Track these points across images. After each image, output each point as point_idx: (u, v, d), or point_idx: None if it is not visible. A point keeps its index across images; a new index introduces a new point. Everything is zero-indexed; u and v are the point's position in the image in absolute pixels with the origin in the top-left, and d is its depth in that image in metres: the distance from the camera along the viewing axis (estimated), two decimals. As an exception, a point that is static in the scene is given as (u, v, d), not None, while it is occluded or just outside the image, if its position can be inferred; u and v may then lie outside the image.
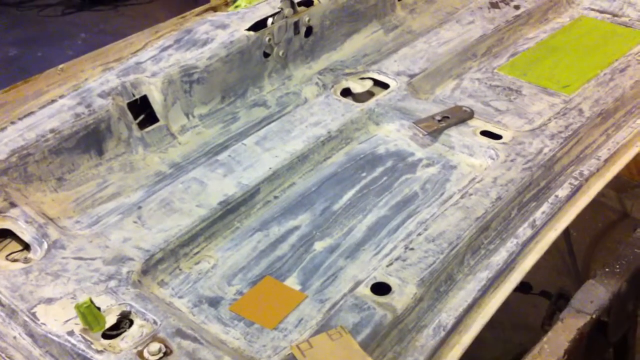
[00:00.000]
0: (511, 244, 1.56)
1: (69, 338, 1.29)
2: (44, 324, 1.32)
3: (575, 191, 1.70)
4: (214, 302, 1.45)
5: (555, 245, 1.59)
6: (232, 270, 1.53)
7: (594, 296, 1.44)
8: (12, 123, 1.72)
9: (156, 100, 1.88)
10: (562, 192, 1.70)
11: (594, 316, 1.40)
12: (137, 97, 1.86)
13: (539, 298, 1.89)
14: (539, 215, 1.63)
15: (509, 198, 1.65)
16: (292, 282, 1.50)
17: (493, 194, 1.66)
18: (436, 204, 1.69)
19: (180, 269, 1.53)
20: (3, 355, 1.30)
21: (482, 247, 1.56)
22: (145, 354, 1.25)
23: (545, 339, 1.36)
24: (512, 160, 1.77)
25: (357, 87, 2.10)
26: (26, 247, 1.54)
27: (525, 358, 1.32)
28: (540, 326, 1.65)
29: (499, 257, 1.53)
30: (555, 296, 1.63)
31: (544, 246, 1.57)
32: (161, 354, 1.25)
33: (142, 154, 1.84)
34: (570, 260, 2.35)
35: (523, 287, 1.91)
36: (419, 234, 1.56)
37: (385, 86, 2.12)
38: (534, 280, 1.81)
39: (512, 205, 1.65)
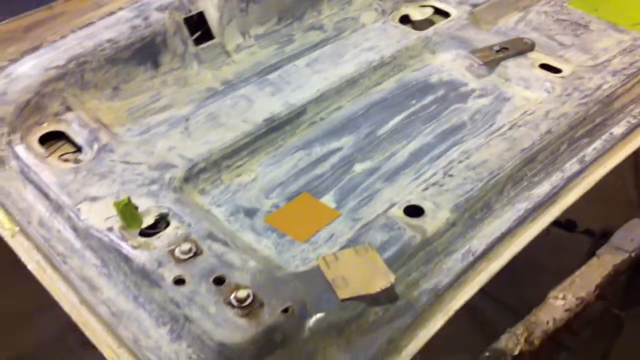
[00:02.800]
0: (556, 178, 1.52)
1: (108, 233, 1.36)
2: (87, 220, 1.39)
3: (632, 129, 1.63)
4: (250, 213, 1.48)
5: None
6: (271, 184, 1.55)
7: (635, 234, 1.40)
8: (72, 32, 1.78)
9: (212, 17, 1.90)
10: (618, 129, 1.63)
11: (632, 254, 1.36)
12: (194, 12, 1.89)
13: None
14: (589, 151, 1.58)
15: (560, 132, 1.60)
16: (328, 199, 1.52)
17: (543, 127, 1.61)
18: (483, 135, 1.66)
19: (221, 180, 1.57)
20: (47, 244, 1.38)
21: (525, 179, 1.52)
22: (177, 253, 1.30)
23: (577, 272, 1.33)
24: (568, 95, 1.71)
25: (417, 14, 2.06)
26: (78, 149, 1.61)
27: (554, 289, 1.30)
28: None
29: (541, 190, 1.49)
30: (599, 234, 1.58)
31: (590, 182, 1.52)
32: (191, 254, 1.30)
33: (196, 69, 1.88)
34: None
35: (568, 225, 1.86)
36: (460, 162, 1.54)
37: (446, 15, 2.07)
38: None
39: (563, 139, 1.60)
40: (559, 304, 1.27)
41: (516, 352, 1.19)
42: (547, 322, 1.24)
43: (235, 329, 1.16)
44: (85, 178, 1.49)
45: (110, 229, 1.36)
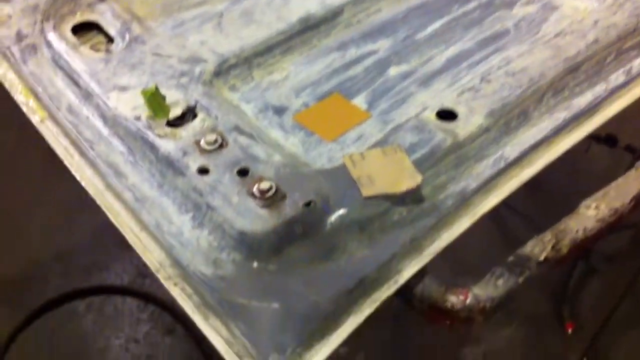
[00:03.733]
0: (600, 89, 1.45)
1: (135, 122, 1.35)
2: (115, 108, 1.39)
3: (686, 43, 1.54)
4: (279, 111, 1.45)
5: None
6: (302, 83, 1.52)
7: (678, 149, 1.33)
8: None
9: None
10: (671, 43, 1.54)
11: (673, 169, 1.30)
12: None
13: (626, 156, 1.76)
14: (637, 63, 1.50)
15: (608, 42, 1.52)
16: (360, 101, 1.48)
17: (590, 36, 1.53)
18: (527, 43, 1.58)
19: (252, 77, 1.53)
20: (75, 131, 1.38)
21: (567, 89, 1.46)
22: (202, 143, 1.29)
23: (613, 184, 1.28)
24: (620, 5, 1.62)
25: None
26: (110, 40, 1.60)
27: (588, 199, 1.26)
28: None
29: (583, 100, 1.43)
30: (640, 151, 1.52)
31: (635, 95, 1.45)
32: (216, 145, 1.28)
33: (233, -34, 1.82)
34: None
35: (608, 140, 1.79)
36: (499, 68, 1.48)
37: None
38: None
39: (610, 50, 1.52)
40: (591, 213, 1.22)
41: (541, 258, 1.16)
42: (577, 231, 1.20)
43: (256, 219, 1.15)
44: (115, 68, 1.48)
45: (137, 118, 1.36)
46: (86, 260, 2.90)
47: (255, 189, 1.19)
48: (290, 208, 1.17)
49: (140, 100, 1.37)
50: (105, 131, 1.38)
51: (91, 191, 1.28)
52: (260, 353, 1.02)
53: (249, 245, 1.14)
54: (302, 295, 1.09)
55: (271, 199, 1.18)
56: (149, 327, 2.68)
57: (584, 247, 1.21)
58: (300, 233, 1.16)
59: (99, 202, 1.26)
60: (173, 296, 1.13)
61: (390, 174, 1.25)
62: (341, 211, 1.19)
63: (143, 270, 2.85)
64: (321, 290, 1.10)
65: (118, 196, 1.26)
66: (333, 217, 1.18)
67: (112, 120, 1.38)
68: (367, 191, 1.21)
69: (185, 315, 1.11)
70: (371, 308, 1.08)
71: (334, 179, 1.24)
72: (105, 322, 2.67)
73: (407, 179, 1.23)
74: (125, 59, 1.50)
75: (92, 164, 1.32)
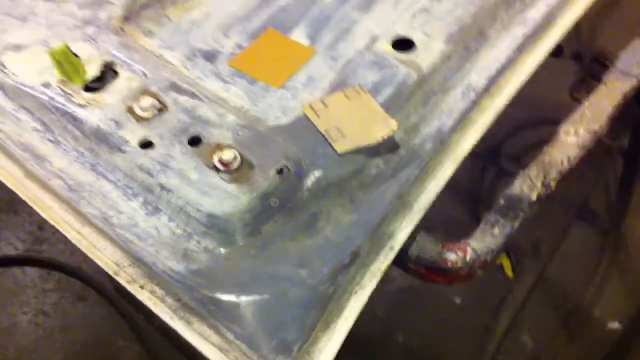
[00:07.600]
0: (551, -2, 1.36)
1: (46, 90, 1.11)
2: (15, 75, 1.14)
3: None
4: (210, 56, 1.25)
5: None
6: (229, 20, 1.31)
7: (640, 58, 1.27)
8: None
9: None
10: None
11: (640, 80, 1.25)
12: None
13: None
14: (584, -33, 1.41)
15: (551, -54, 1.41)
16: (299, 35, 1.30)
17: (533, -60, 1.42)
18: (465, -49, 1.45)
19: (168, 17, 1.31)
20: (-31, 108, 1.12)
21: (519, 0, 1.35)
22: (137, 110, 1.08)
23: (587, 103, 1.21)
24: None
25: None
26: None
27: (565, 123, 1.18)
28: (569, 95, 1.50)
29: (537, 12, 1.33)
30: (590, 59, 1.46)
31: (588, 2, 1.37)
32: (155, 111, 1.08)
33: None
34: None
35: (554, 50, 1.72)
36: (447, -16, 1.34)
37: None
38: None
39: (554, -46, 1.42)
40: (572, 140, 1.15)
41: (534, 198, 1.08)
42: (562, 162, 1.12)
43: (226, 197, 0.99)
44: (2, 22, 1.21)
45: (47, 85, 1.12)
46: (-29, 230, 2.58)
47: (216, 161, 1.01)
48: (262, 179, 1.01)
49: (45, 61, 1.13)
50: (8, 105, 1.13)
51: (9, 183, 1.05)
52: (263, 357, 0.89)
53: (222, 230, 0.98)
54: (294, 280, 0.95)
55: (237, 171, 1.01)
56: (58, 296, 2.44)
57: (568, 179, 1.15)
58: (277, 206, 1.01)
59: (22, 195, 1.04)
60: (134, 293, 0.96)
61: (360, 122, 1.11)
62: (317, 174, 1.04)
63: (39, 235, 2.57)
64: (314, 270, 0.96)
65: (45, 186, 1.04)
66: (309, 182, 1.04)
67: (14, 91, 1.13)
68: (341, 147, 1.06)
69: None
70: (373, 283, 0.96)
71: (300, 136, 1.08)
72: (7, 297, 2.41)
73: (380, 126, 1.09)
74: (11, 10, 1.23)
75: (2, 148, 1.08)
